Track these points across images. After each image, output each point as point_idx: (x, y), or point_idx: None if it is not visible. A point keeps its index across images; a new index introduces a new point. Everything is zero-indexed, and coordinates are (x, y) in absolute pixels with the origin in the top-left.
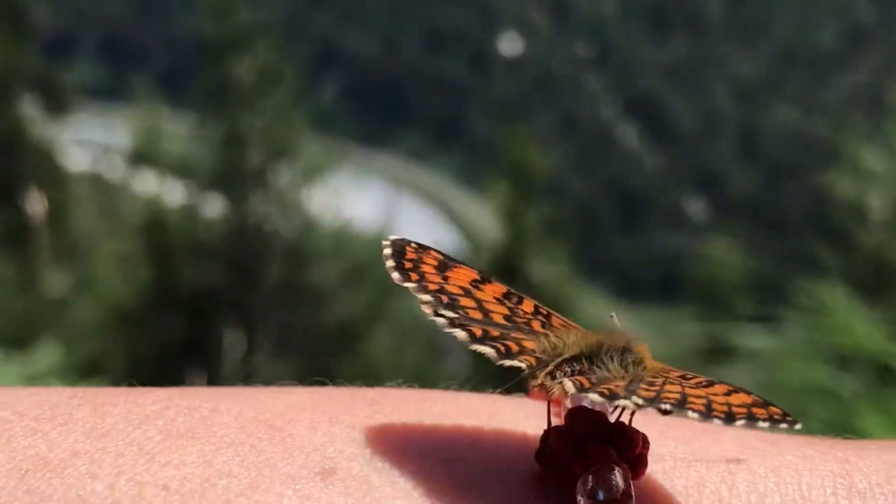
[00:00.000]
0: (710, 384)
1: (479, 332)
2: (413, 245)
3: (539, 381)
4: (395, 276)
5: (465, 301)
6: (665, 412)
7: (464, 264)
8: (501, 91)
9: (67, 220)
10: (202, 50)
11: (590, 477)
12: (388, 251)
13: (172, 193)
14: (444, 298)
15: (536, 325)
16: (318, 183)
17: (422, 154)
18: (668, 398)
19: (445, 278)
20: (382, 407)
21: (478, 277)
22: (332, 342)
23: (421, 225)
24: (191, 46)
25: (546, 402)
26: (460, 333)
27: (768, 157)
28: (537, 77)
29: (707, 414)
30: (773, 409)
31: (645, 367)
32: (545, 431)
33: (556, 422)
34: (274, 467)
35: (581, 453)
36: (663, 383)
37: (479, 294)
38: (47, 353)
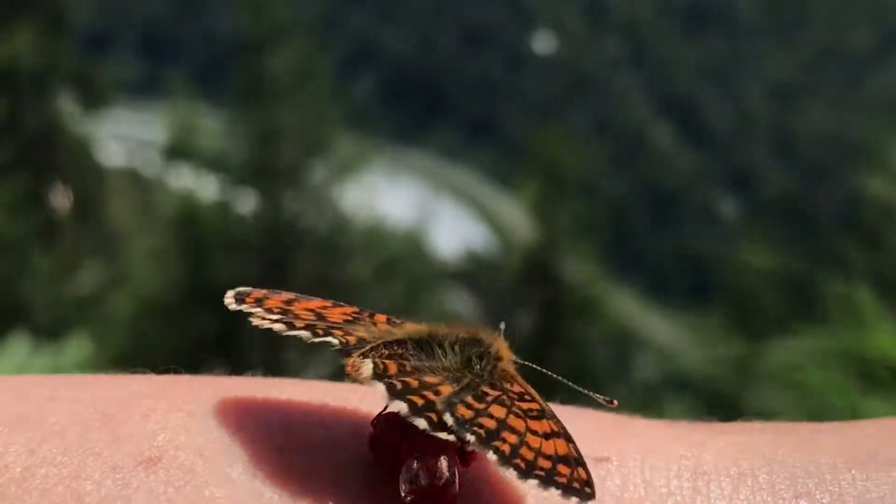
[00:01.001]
0: (540, 416)
1: (300, 325)
2: (261, 291)
3: (351, 359)
4: (232, 305)
5: (301, 311)
6: (463, 441)
7: (317, 299)
8: (535, 90)
9: (102, 215)
10: (238, 46)
11: (414, 463)
12: (231, 296)
13: (207, 188)
14: (275, 311)
15: (381, 318)
16: (352, 179)
17: (455, 152)
18: (482, 425)
19: (289, 301)
20: (227, 395)
21: (328, 304)
22: None
23: (453, 222)
24: (227, 43)
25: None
26: (277, 325)
27: (802, 158)
28: (571, 76)
29: (509, 459)
30: (579, 471)
31: (495, 367)
32: (376, 418)
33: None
34: (99, 455)
35: (409, 440)
36: (493, 401)
37: (323, 311)
38: (77, 346)
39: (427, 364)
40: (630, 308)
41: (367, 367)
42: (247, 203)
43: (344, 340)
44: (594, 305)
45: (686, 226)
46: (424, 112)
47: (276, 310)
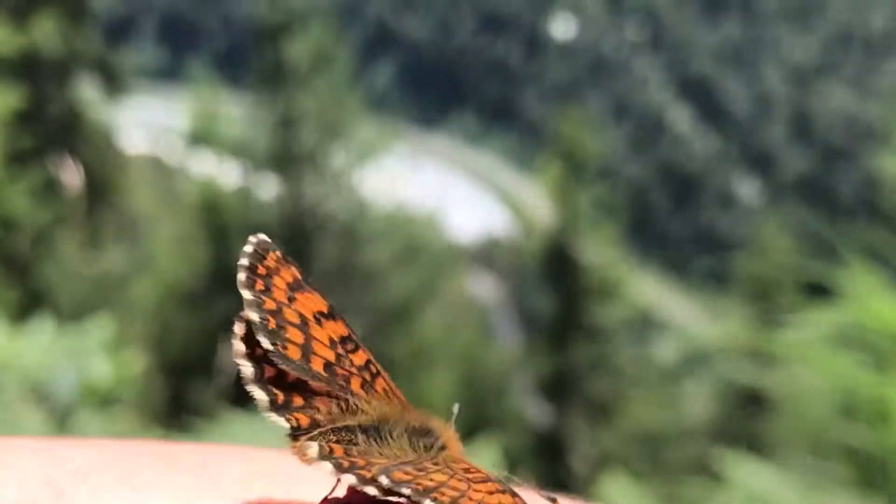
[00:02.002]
0: (485, 480)
1: (270, 373)
2: (278, 254)
3: (298, 442)
4: (242, 277)
5: (292, 333)
6: (402, 496)
7: (318, 292)
8: (554, 74)
9: (125, 202)
10: (258, 33)
11: None
12: (249, 249)
13: (228, 175)
14: (273, 323)
15: (355, 384)
16: (372, 164)
17: (475, 136)
18: (421, 483)
19: (291, 299)
20: (177, 468)
21: (325, 311)
22: (384, 322)
23: (473, 206)
24: (247, 29)
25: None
26: (245, 369)
27: (820, 140)
28: (590, 60)
29: None
30: None
31: (440, 454)
32: (321, 502)
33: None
34: None
35: None
36: (434, 470)
37: (314, 330)
38: (100, 327)
39: (375, 449)
40: (650, 290)
41: (313, 449)
42: (268, 189)
43: (295, 424)
44: (614, 287)
45: (705, 208)
46: (444, 97)
47: (271, 303)
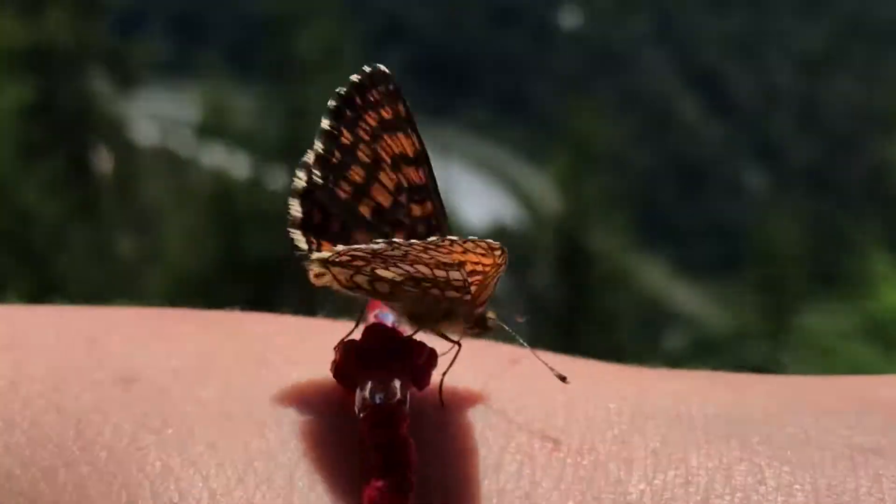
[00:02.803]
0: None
1: (317, 219)
2: (391, 87)
3: (314, 264)
4: (332, 103)
5: (354, 172)
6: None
7: (417, 134)
8: (563, 65)
9: (137, 193)
10: (267, 25)
11: (369, 382)
12: (355, 77)
13: (239, 166)
14: (336, 158)
15: (400, 234)
16: None
17: (484, 127)
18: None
19: (376, 137)
20: (209, 326)
21: (410, 155)
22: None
23: (483, 197)
24: (256, 22)
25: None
26: (294, 208)
27: (828, 129)
28: (598, 51)
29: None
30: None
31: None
32: (339, 345)
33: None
34: (80, 373)
35: (367, 364)
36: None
37: (383, 174)
38: None
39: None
40: (659, 279)
41: (319, 259)
42: (278, 179)
43: (314, 245)
44: (623, 276)
45: (713, 197)
46: (453, 88)
47: (342, 147)
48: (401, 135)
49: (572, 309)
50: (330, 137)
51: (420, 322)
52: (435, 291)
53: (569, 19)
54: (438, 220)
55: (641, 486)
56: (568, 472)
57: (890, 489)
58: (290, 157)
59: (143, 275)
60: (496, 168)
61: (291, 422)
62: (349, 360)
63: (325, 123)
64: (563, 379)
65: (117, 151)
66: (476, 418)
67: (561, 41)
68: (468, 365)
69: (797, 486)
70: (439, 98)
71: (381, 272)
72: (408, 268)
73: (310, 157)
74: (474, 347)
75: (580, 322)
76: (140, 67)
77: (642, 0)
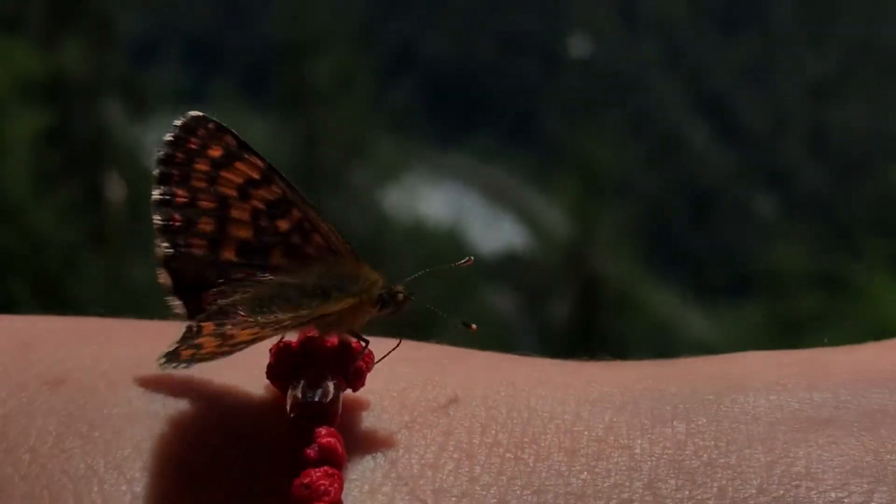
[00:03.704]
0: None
1: (169, 282)
2: (211, 126)
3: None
4: (155, 172)
5: (204, 224)
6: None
7: (256, 155)
8: (572, 92)
9: (151, 222)
10: (280, 53)
11: (301, 382)
12: (168, 136)
13: None
14: (179, 221)
15: (275, 255)
16: (393, 182)
17: (494, 154)
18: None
19: (214, 179)
20: (144, 331)
21: (256, 178)
22: (404, 336)
23: (493, 223)
24: (269, 50)
25: None
26: (162, 276)
27: (837, 155)
28: (607, 78)
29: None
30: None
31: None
32: (274, 347)
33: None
34: (8, 377)
35: (300, 365)
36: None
37: (234, 210)
38: None
39: (255, 319)
40: (669, 305)
41: (181, 330)
42: None
43: (182, 310)
44: (632, 302)
45: (723, 223)
46: (464, 115)
47: (182, 198)
48: (238, 164)
49: (583, 335)
50: (163, 204)
51: (332, 327)
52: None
53: (578, 47)
54: (311, 223)
55: (584, 476)
56: (507, 466)
57: (840, 454)
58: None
59: (158, 301)
60: (506, 195)
61: (222, 422)
62: (283, 360)
63: (154, 194)
64: (467, 326)
65: (132, 179)
66: (414, 416)
67: (570, 68)
68: (407, 365)
69: (745, 463)
70: (450, 125)
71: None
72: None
73: (158, 234)
74: (411, 349)
75: (591, 349)
76: (155, 96)
77: (651, 27)
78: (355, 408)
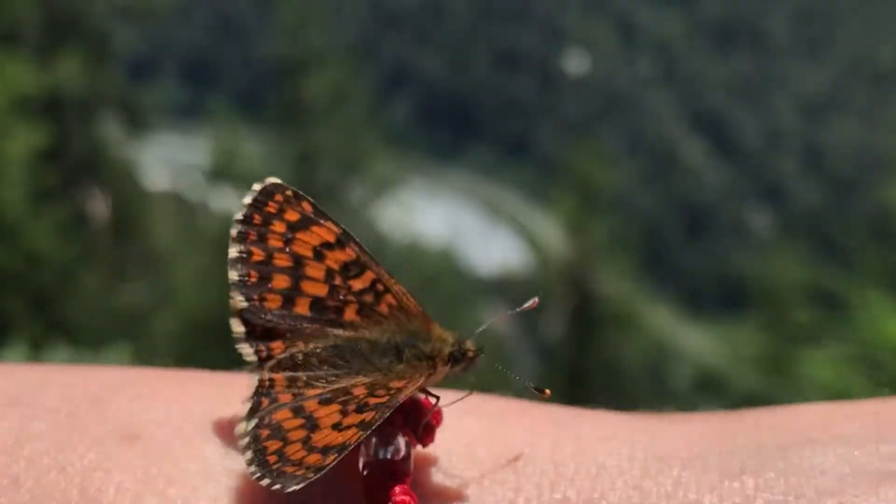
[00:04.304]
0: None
1: (242, 331)
2: (287, 193)
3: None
4: (233, 232)
5: (278, 280)
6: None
7: (330, 220)
8: (568, 109)
9: (147, 237)
10: (277, 71)
11: (374, 439)
12: (247, 199)
13: None
14: (254, 277)
15: (349, 311)
16: (389, 198)
17: (491, 170)
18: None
19: (289, 241)
20: (213, 385)
21: (331, 240)
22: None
23: (489, 239)
24: (266, 68)
25: None
26: (236, 325)
27: (831, 172)
28: (604, 95)
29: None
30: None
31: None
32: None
33: None
34: (84, 431)
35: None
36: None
37: (309, 268)
38: (115, 354)
39: (326, 373)
40: (664, 320)
41: (252, 380)
42: None
43: (254, 357)
44: (629, 318)
45: (718, 239)
46: (460, 132)
47: (259, 255)
48: (314, 228)
49: (578, 349)
50: (240, 261)
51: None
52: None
53: (574, 64)
54: (384, 284)
55: None
56: None
57: None
58: None
59: (152, 317)
60: (502, 210)
61: None
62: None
63: (232, 251)
64: (540, 391)
65: (126, 196)
66: (483, 472)
67: (566, 86)
68: (474, 419)
69: None
70: (446, 141)
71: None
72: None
73: (235, 284)
74: (478, 402)
75: (587, 363)
76: (151, 113)
77: (647, 45)
78: (425, 464)
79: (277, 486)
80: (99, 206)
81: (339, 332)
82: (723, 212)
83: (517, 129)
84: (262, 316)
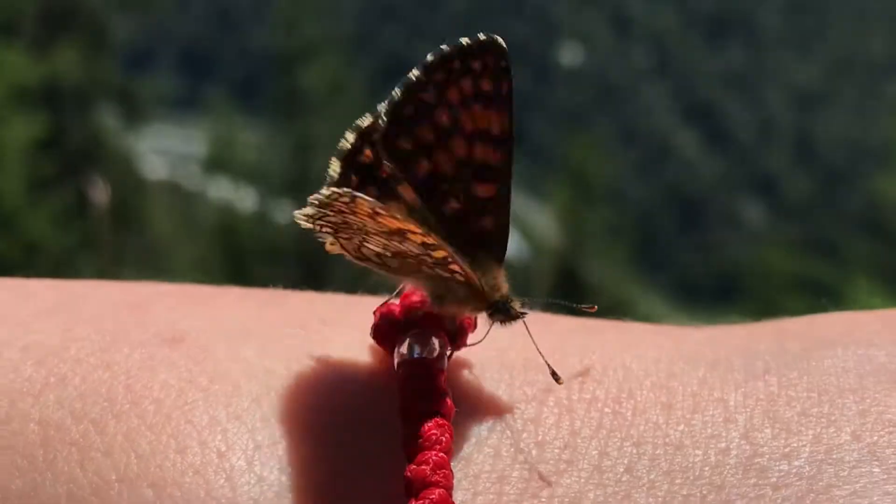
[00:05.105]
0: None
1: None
2: (501, 63)
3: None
4: (414, 73)
5: (426, 130)
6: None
7: (510, 119)
8: (563, 101)
9: (145, 226)
10: (273, 62)
11: (407, 339)
12: (467, 42)
13: (245, 200)
14: (408, 112)
15: (451, 200)
16: None
17: None
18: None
19: (466, 105)
20: (250, 296)
21: (494, 133)
22: None
23: None
24: (263, 59)
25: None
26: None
27: (823, 163)
28: (598, 87)
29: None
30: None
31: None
32: (378, 309)
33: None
34: (127, 335)
35: (405, 326)
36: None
37: (458, 143)
38: None
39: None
40: (657, 311)
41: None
42: (284, 213)
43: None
44: (622, 308)
45: (711, 230)
46: None
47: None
48: (493, 111)
49: None
50: (411, 89)
51: (441, 302)
52: (433, 270)
53: (568, 56)
54: (498, 208)
55: (681, 428)
56: (606, 420)
57: None
58: (296, 191)
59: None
60: None
61: (332, 380)
62: (389, 321)
63: (412, 73)
64: (556, 379)
65: (125, 185)
66: (513, 375)
67: (561, 78)
68: (503, 330)
69: (838, 412)
70: None
71: (369, 245)
72: (383, 241)
73: (383, 105)
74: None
75: None
76: (148, 103)
77: (641, 37)
78: (459, 366)
79: (305, 219)
80: (100, 194)
81: (429, 222)
82: (716, 202)
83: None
84: (387, 149)
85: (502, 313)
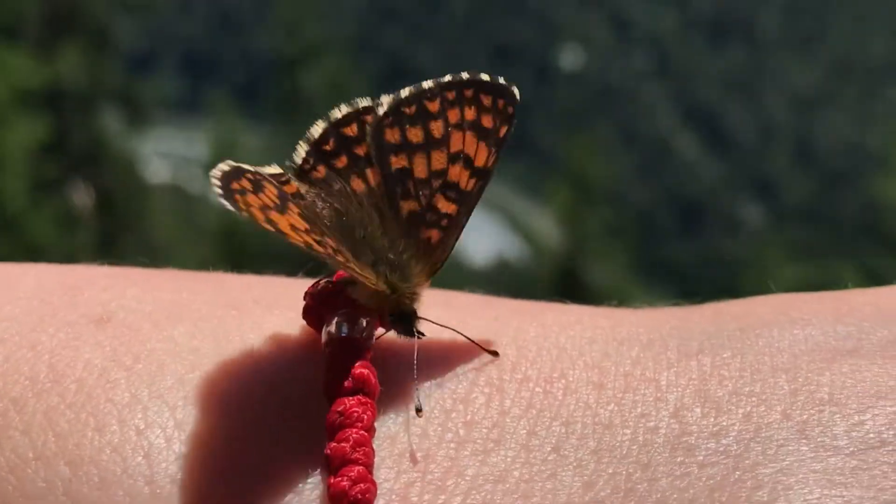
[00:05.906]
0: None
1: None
2: (508, 108)
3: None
4: (428, 84)
5: (415, 132)
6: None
7: (496, 159)
8: (563, 103)
9: (147, 229)
10: (275, 64)
11: (336, 317)
12: (487, 79)
13: None
14: (410, 111)
15: (408, 206)
16: None
17: None
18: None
19: (461, 128)
20: (186, 277)
21: (476, 164)
22: None
23: (485, 232)
24: (265, 62)
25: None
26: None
27: (823, 166)
28: (598, 89)
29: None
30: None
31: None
32: (309, 289)
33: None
34: (55, 315)
35: (333, 306)
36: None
37: (438, 157)
38: None
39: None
40: None
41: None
42: None
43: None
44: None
45: (711, 233)
46: None
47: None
48: (484, 144)
49: None
50: (419, 93)
51: (353, 290)
52: (334, 259)
53: (568, 59)
54: (450, 227)
55: (611, 407)
56: (537, 399)
57: (863, 381)
58: None
59: None
60: (497, 202)
61: (261, 358)
62: (318, 300)
63: (426, 84)
64: (494, 354)
65: (127, 188)
66: (446, 355)
67: (561, 80)
68: (440, 310)
69: (769, 391)
70: None
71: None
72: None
73: (387, 97)
74: (447, 297)
75: None
76: (151, 106)
77: (641, 39)
78: (390, 347)
79: (222, 196)
80: (82, 198)
81: (380, 210)
82: (715, 204)
83: None
84: (370, 135)
85: (402, 325)
